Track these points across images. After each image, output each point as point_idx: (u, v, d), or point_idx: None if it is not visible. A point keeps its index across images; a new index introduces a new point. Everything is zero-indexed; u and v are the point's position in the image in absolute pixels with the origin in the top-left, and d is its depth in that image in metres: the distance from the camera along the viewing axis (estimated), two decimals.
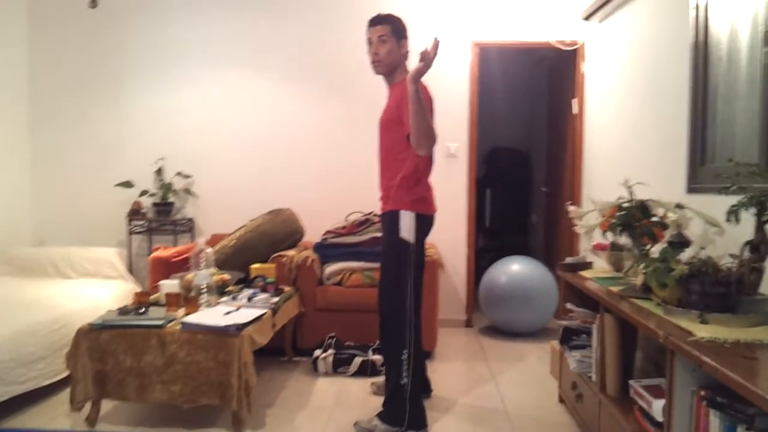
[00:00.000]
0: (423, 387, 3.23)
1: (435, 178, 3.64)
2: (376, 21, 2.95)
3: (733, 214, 1.90)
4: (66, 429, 2.87)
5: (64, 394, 3.11)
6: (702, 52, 2.71)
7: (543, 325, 4.72)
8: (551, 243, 5.76)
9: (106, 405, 3.06)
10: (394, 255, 2.86)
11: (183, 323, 2.82)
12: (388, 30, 2.91)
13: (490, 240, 7.36)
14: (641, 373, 2.38)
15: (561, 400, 3.28)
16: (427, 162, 2.90)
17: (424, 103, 2.64)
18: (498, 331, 4.82)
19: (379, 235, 3.96)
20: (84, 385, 2.83)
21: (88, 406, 2.90)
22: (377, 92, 4.78)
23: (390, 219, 2.86)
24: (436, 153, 4.73)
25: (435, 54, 2.55)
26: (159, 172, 4.88)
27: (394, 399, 2.86)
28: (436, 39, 2.58)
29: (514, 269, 4.65)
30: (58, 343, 3.30)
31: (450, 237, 4.85)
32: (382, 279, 2.95)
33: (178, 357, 2.76)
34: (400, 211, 2.82)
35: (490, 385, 3.58)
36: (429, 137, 2.71)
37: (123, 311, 2.97)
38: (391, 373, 2.87)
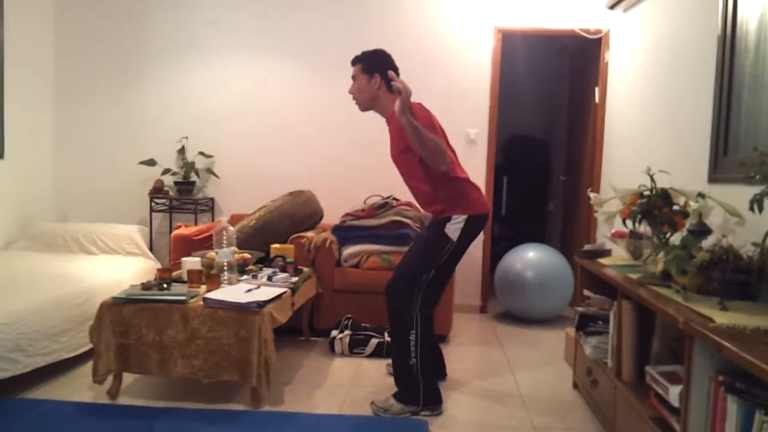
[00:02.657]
0: (438, 371, 3.28)
1: None
2: (352, 61, 3.05)
3: (756, 202, 1.91)
4: (88, 401, 2.93)
5: (87, 367, 3.18)
6: (729, 43, 2.69)
7: (557, 313, 4.74)
8: (568, 232, 5.76)
9: (128, 378, 3.13)
10: (428, 248, 2.92)
11: (205, 299, 2.87)
12: (359, 69, 3.01)
13: (506, 228, 7.37)
14: (657, 360, 2.39)
15: (575, 386, 3.30)
16: (455, 168, 2.92)
17: (421, 128, 2.65)
18: (512, 317, 4.85)
19: (397, 218, 4.01)
20: (106, 358, 2.88)
21: (110, 379, 2.95)
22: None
23: (441, 222, 2.91)
24: (456, 139, 4.71)
25: (402, 84, 2.59)
26: (182, 151, 4.93)
27: (406, 380, 2.90)
28: (392, 73, 2.72)
29: (530, 256, 4.66)
30: (82, 317, 3.37)
31: None
32: (404, 262, 2.98)
33: (199, 332, 2.81)
34: (452, 216, 2.88)
35: (504, 369, 3.61)
36: (440, 153, 2.72)
37: (146, 286, 3.02)
38: (400, 355, 2.91)
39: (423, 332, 2.87)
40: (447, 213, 2.87)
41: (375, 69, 2.95)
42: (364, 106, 3.05)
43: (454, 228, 2.84)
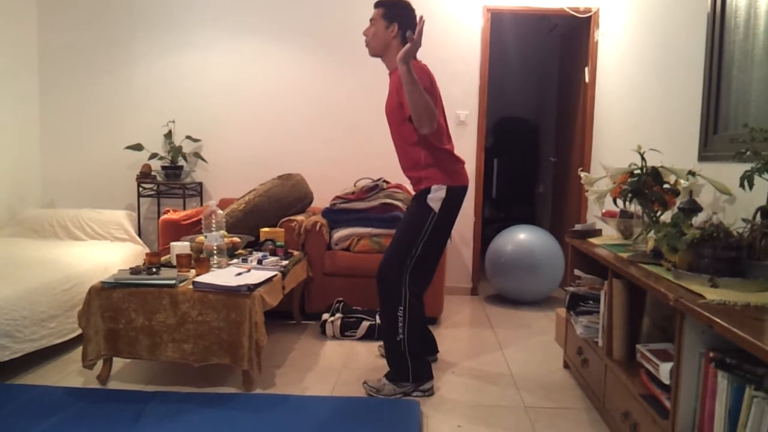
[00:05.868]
0: (428, 349, 3.30)
1: None
2: (375, 3, 2.98)
3: (746, 179, 1.90)
4: (78, 386, 2.91)
5: (76, 353, 3.16)
6: (718, 20, 2.68)
7: (548, 294, 4.76)
8: (558, 213, 5.77)
9: (118, 363, 3.11)
10: (412, 222, 2.90)
11: (195, 283, 2.85)
12: (379, 13, 2.94)
13: (497, 211, 7.37)
14: (648, 339, 2.41)
15: (566, 366, 3.32)
16: (443, 138, 2.90)
17: (418, 82, 2.61)
18: (503, 299, 4.86)
19: (387, 201, 3.99)
20: (96, 343, 2.87)
21: (99, 363, 2.94)
22: None
23: (421, 193, 2.89)
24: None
25: (420, 34, 2.56)
26: (168, 135, 4.87)
27: (395, 356, 2.91)
28: (421, 17, 2.61)
29: (521, 238, 4.67)
30: (70, 302, 3.34)
31: None
32: (393, 241, 2.97)
33: (189, 316, 2.80)
34: (432, 186, 2.85)
35: (495, 350, 3.62)
36: (428, 114, 2.67)
37: (134, 271, 2.99)
38: (388, 331, 2.91)
39: (411, 311, 2.86)
40: (426, 183, 2.86)
41: (395, 18, 2.90)
42: (374, 52, 3.00)
43: (435, 198, 2.83)
